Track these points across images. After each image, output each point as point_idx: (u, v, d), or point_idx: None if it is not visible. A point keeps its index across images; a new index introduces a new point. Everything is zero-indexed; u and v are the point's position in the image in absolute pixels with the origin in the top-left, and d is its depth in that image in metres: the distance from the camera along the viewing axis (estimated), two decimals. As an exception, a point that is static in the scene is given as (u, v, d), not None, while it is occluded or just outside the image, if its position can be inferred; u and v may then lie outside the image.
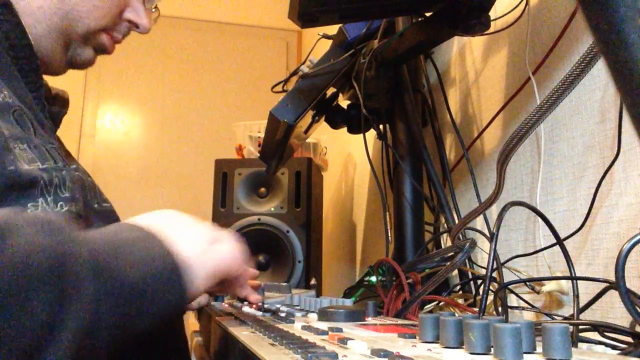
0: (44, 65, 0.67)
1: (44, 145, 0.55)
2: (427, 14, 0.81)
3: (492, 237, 0.55)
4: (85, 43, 0.71)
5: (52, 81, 0.74)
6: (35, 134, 0.56)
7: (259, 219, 1.42)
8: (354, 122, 1.10)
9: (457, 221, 0.90)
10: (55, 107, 0.72)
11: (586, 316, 0.62)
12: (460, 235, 0.77)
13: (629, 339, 0.46)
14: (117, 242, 0.40)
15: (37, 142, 0.54)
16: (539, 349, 0.30)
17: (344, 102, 1.14)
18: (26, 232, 0.32)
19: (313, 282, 1.35)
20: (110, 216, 0.71)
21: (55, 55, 0.68)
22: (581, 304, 0.56)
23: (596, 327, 0.47)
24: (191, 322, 1.09)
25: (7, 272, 0.29)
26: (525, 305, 0.73)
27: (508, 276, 0.72)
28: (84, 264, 0.34)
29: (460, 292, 0.84)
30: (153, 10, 0.77)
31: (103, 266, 0.36)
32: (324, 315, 0.51)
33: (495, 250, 0.54)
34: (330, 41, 1.03)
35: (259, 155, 1.26)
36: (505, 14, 0.86)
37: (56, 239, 0.34)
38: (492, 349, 0.30)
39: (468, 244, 0.56)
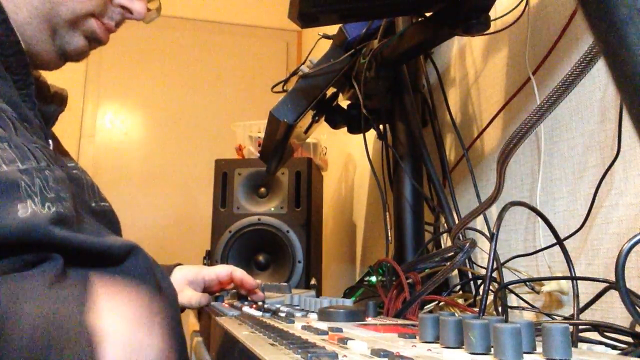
0: (35, 58, 0.65)
1: (26, 145, 0.54)
2: (427, 14, 0.81)
3: (492, 237, 0.55)
4: (73, 29, 0.66)
5: (52, 79, 0.74)
6: (17, 133, 0.54)
7: (259, 219, 1.43)
8: (354, 122, 1.10)
9: (457, 221, 0.90)
10: (52, 105, 0.71)
11: (586, 316, 0.62)
12: (460, 235, 0.77)
13: (629, 339, 0.46)
14: None
15: (18, 142, 0.53)
16: (539, 349, 0.30)
17: (344, 102, 1.14)
18: None
19: (313, 282, 1.35)
20: (108, 216, 0.71)
21: (43, 45, 0.65)
22: (581, 304, 0.56)
23: (596, 327, 0.47)
24: (191, 322, 1.09)
25: None
26: (525, 305, 0.73)
27: (508, 276, 0.72)
28: None
29: (460, 292, 0.84)
30: None
31: None
32: (324, 315, 0.51)
33: (495, 250, 0.54)
34: (330, 41, 1.03)
35: (259, 155, 1.26)
36: (505, 14, 0.86)
37: None
38: (492, 349, 0.30)
39: (468, 244, 0.56)
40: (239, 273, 0.89)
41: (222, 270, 0.90)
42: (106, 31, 0.70)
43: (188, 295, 0.86)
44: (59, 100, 0.73)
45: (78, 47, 0.68)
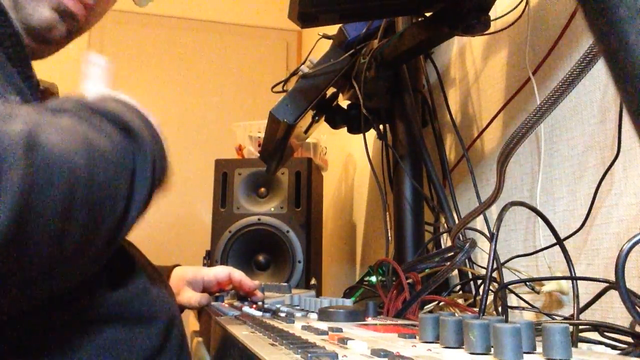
0: None
1: None
2: (427, 14, 0.81)
3: (492, 237, 0.55)
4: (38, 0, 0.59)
5: (53, 80, 0.74)
6: None
7: (259, 219, 1.42)
8: (354, 122, 1.10)
9: (457, 221, 0.90)
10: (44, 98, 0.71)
11: (586, 316, 0.62)
12: (460, 235, 0.77)
13: (629, 339, 0.46)
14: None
15: None
16: (539, 349, 0.30)
17: (344, 102, 1.14)
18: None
19: (313, 282, 1.35)
20: None
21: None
22: (581, 304, 0.56)
23: (596, 327, 0.47)
24: (191, 322, 1.09)
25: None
26: (525, 305, 0.73)
27: (508, 276, 0.72)
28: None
29: (460, 292, 0.84)
30: None
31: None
32: (324, 315, 0.51)
33: (495, 250, 0.54)
34: (330, 41, 1.03)
35: (259, 155, 1.26)
36: (505, 14, 0.86)
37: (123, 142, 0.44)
38: (492, 349, 0.30)
39: (468, 244, 0.56)
40: (238, 274, 0.89)
41: (221, 272, 0.90)
42: (78, 3, 0.62)
43: (187, 296, 0.86)
44: (49, 96, 0.73)
45: (42, 20, 0.60)
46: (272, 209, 1.43)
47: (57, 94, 0.74)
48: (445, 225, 0.93)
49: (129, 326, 0.54)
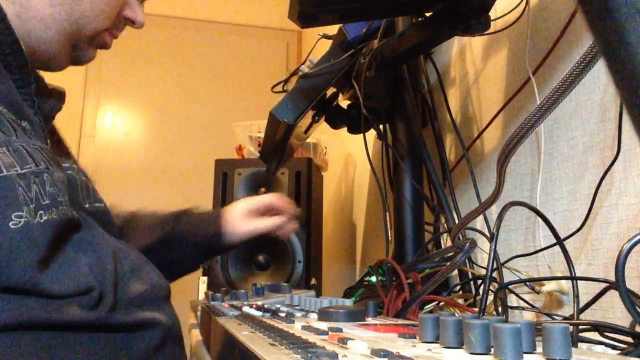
0: (46, 63, 0.69)
1: (25, 147, 0.54)
2: (427, 14, 0.81)
3: (492, 237, 0.55)
4: (90, 43, 0.73)
5: (53, 79, 0.74)
6: (17, 135, 0.55)
7: (259, 219, 1.42)
8: (354, 122, 1.10)
9: (457, 221, 0.90)
10: (50, 100, 0.72)
11: (586, 316, 0.62)
12: (460, 235, 0.77)
13: (629, 339, 0.46)
14: None
15: (17, 145, 0.53)
16: (539, 349, 0.30)
17: (344, 102, 1.14)
18: None
19: (313, 282, 1.35)
20: (103, 216, 0.70)
21: (61, 56, 0.70)
22: (581, 304, 0.56)
23: (596, 327, 0.47)
24: (191, 321, 1.09)
25: None
26: (525, 305, 0.73)
27: (508, 276, 0.72)
28: None
29: (460, 292, 0.84)
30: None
31: None
32: (324, 315, 0.51)
33: (495, 250, 0.54)
34: (330, 41, 1.03)
35: (259, 155, 1.26)
36: (505, 14, 0.86)
37: None
38: (492, 349, 0.30)
39: (468, 244, 0.56)
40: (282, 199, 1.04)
41: (271, 198, 1.04)
42: (112, 39, 0.77)
43: (254, 224, 0.99)
44: (56, 97, 0.74)
45: (90, 59, 0.75)
46: (272, 209, 1.43)
47: (64, 95, 0.76)
48: (445, 225, 0.93)
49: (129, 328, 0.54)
